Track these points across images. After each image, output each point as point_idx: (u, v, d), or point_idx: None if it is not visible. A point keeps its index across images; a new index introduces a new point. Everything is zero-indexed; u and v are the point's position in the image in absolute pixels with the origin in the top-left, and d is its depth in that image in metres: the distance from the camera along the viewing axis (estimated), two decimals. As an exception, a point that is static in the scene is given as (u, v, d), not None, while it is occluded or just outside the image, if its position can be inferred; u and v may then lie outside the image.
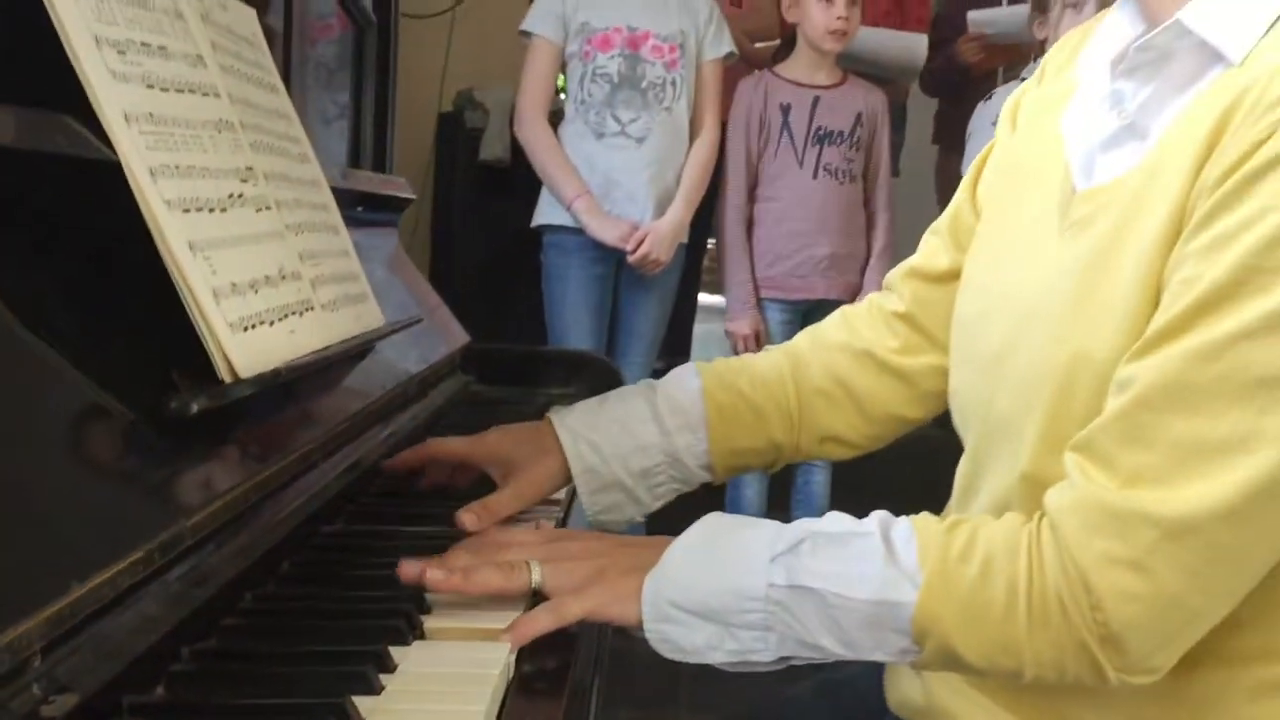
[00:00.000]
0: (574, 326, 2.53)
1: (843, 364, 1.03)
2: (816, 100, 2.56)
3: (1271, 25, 0.69)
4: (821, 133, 2.56)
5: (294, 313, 0.85)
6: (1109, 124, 0.78)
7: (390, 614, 0.75)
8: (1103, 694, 0.74)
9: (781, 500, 2.76)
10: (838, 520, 0.79)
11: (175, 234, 0.72)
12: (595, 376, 1.62)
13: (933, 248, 1.01)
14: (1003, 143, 0.96)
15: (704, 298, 3.66)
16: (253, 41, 1.03)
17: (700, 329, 3.73)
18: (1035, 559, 0.70)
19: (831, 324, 1.08)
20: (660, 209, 2.47)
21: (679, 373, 1.03)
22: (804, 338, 1.08)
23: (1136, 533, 0.67)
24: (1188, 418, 0.66)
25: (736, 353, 2.63)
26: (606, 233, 2.42)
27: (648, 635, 0.78)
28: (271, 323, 0.80)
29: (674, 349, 3.35)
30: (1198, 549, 0.66)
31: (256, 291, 0.80)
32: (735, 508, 2.70)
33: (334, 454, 0.94)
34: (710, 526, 0.81)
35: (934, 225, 1.02)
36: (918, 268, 1.02)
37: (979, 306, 0.90)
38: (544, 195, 2.53)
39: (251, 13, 1.05)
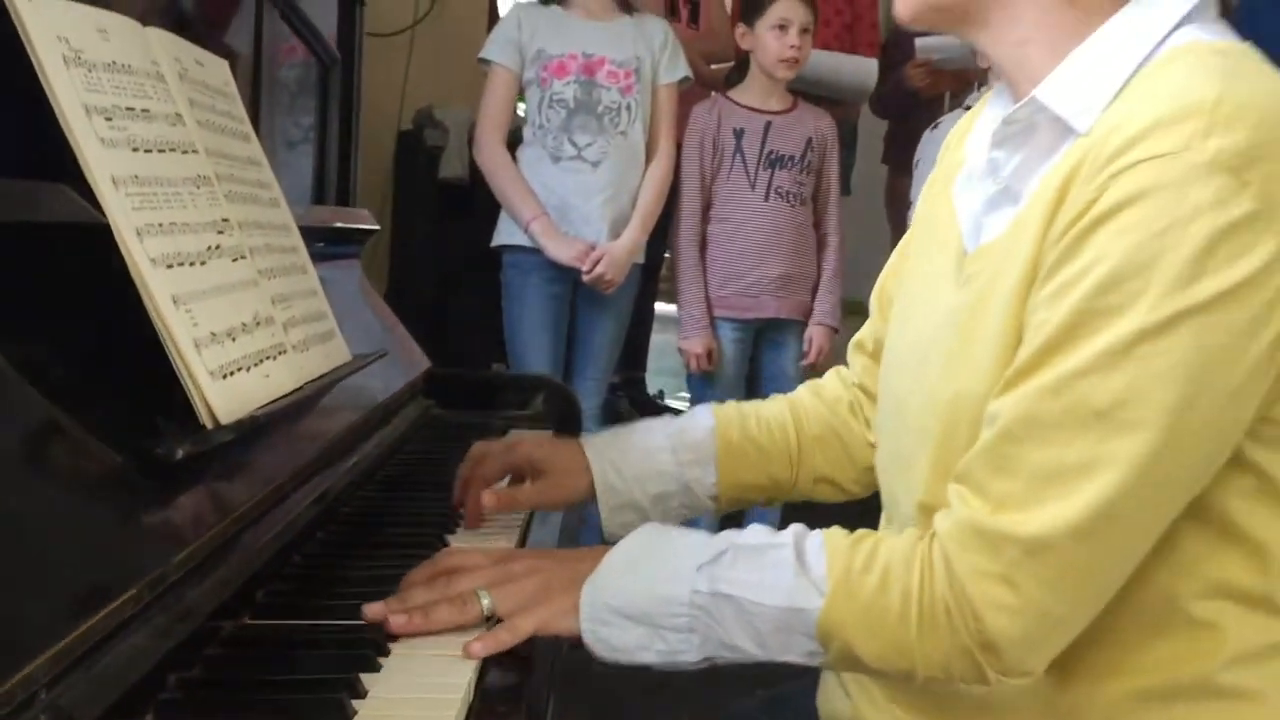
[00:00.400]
0: (532, 344, 2.58)
1: (837, 416, 1.13)
2: (768, 125, 2.64)
3: (1115, 97, 0.77)
4: (773, 157, 2.64)
5: (269, 357, 0.90)
6: (988, 190, 0.87)
7: (359, 643, 0.81)
8: (999, 706, 0.82)
9: (736, 515, 2.83)
10: (758, 533, 0.87)
11: (160, 290, 0.78)
12: (550, 398, 1.69)
13: (870, 322, 1.11)
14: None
15: (661, 307, 3.74)
16: (226, 93, 1.08)
17: (657, 339, 3.80)
18: (926, 572, 0.78)
19: (829, 379, 1.17)
20: (616, 231, 2.54)
21: (696, 411, 1.15)
22: (805, 390, 1.18)
23: (1003, 551, 0.75)
24: (1042, 448, 0.74)
25: (690, 370, 2.71)
26: (562, 253, 2.48)
27: (584, 637, 0.85)
28: (248, 368, 0.86)
29: (630, 363, 3.43)
30: (1055, 564, 0.74)
31: (234, 339, 0.85)
32: (690, 522, 2.77)
33: (304, 484, 0.99)
34: (644, 537, 0.89)
35: (872, 295, 1.12)
36: (859, 341, 1.13)
37: (890, 360, 0.99)
38: (503, 217, 2.59)
39: (224, 64, 1.10)
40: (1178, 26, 0.78)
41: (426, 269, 3.24)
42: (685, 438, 1.10)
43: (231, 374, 0.82)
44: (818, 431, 1.12)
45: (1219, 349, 0.70)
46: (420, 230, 3.26)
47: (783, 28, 2.56)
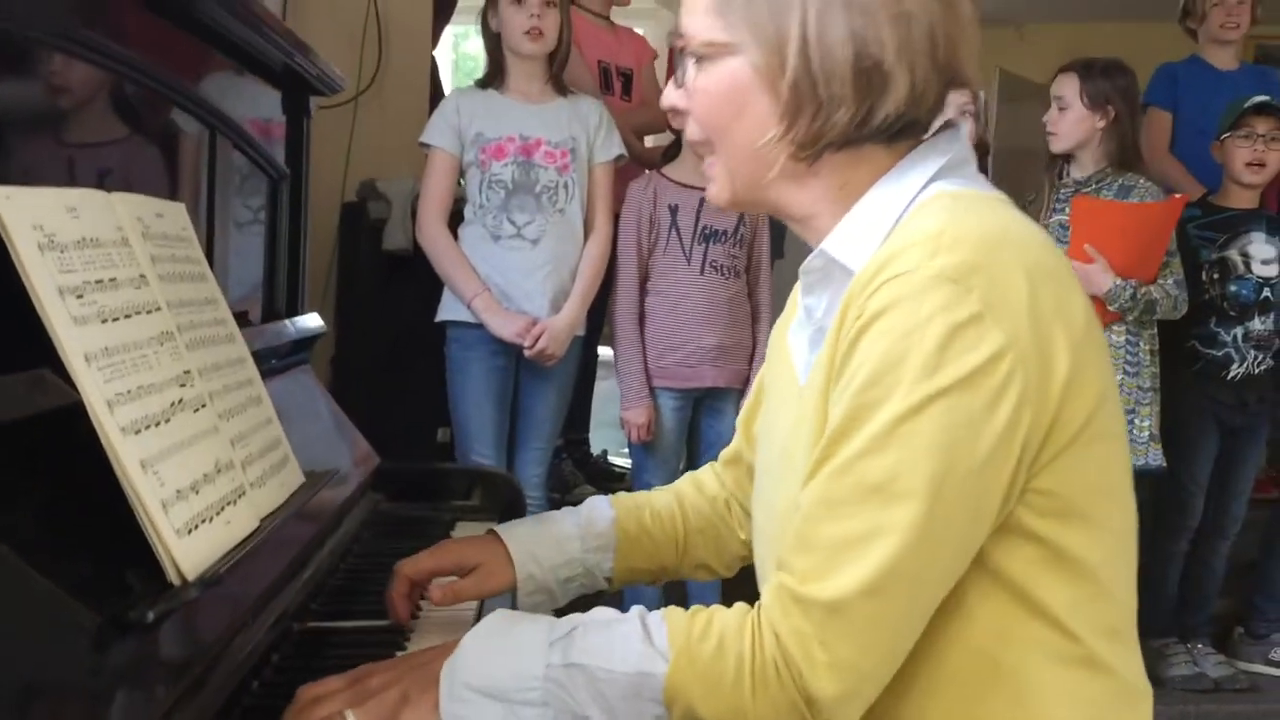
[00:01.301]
0: (476, 416, 2.66)
1: (716, 512, 1.29)
2: (703, 201, 2.74)
3: (883, 240, 0.93)
4: (707, 231, 2.74)
5: (230, 502, 0.97)
6: (809, 331, 1.03)
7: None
8: None
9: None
10: (605, 612, 0.97)
11: (130, 458, 0.85)
12: (494, 488, 1.76)
13: (735, 440, 1.29)
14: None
15: (604, 350, 3.77)
16: (184, 237, 1.15)
17: (601, 385, 3.85)
18: (756, 637, 0.89)
19: (707, 475, 1.34)
20: (556, 305, 2.62)
21: (597, 502, 1.28)
22: (688, 483, 1.33)
23: (812, 614, 0.86)
24: (834, 523, 0.87)
25: (630, 439, 2.79)
26: (505, 329, 2.56)
27: (444, 718, 0.91)
28: (211, 518, 0.93)
29: (573, 425, 3.50)
30: (855, 621, 0.85)
31: (198, 492, 0.92)
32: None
33: (262, 611, 1.06)
34: (497, 620, 0.97)
35: (739, 419, 1.30)
36: (726, 457, 1.30)
37: (757, 488, 1.14)
38: (446, 293, 2.66)
39: (180, 209, 1.17)
40: (930, 182, 0.95)
41: (372, 338, 3.29)
42: (592, 528, 1.24)
43: (196, 528, 0.89)
44: (700, 524, 1.27)
45: (963, 427, 0.84)
46: (365, 300, 3.32)
47: None
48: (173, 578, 0.84)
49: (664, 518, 1.27)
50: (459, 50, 7.27)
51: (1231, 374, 2.89)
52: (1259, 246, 2.90)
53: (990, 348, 0.84)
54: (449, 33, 4.14)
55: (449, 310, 2.65)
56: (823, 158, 0.96)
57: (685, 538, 1.27)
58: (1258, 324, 2.88)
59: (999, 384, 0.84)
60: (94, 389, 0.84)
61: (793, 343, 1.08)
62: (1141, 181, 2.76)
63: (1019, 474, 0.87)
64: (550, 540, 1.24)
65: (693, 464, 2.90)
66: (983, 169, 1.02)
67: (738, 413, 2.76)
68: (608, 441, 3.73)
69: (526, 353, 2.58)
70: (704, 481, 1.31)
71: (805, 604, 0.86)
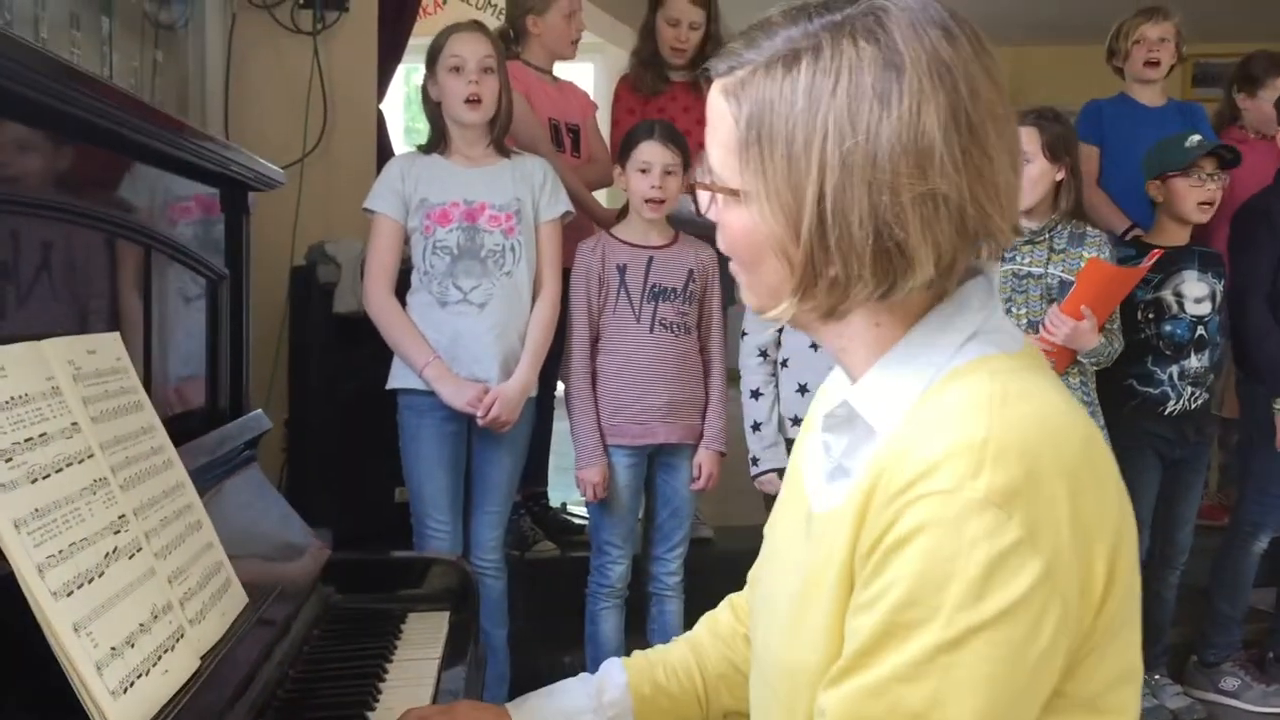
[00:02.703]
0: (430, 483, 2.66)
1: (733, 649, 1.22)
2: (650, 260, 2.77)
3: (911, 406, 0.89)
4: (656, 290, 2.76)
5: (167, 649, 0.98)
6: (826, 464, 0.98)
7: None
8: None
9: (638, 628, 2.93)
10: None
11: (62, 623, 0.85)
12: (445, 576, 1.77)
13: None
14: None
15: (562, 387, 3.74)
16: (118, 368, 1.16)
17: (560, 427, 3.82)
18: None
19: (723, 611, 1.27)
20: (506, 368, 2.63)
21: (609, 667, 1.23)
22: (703, 627, 1.27)
23: None
24: None
25: (586, 498, 2.80)
26: (456, 398, 2.57)
27: None
28: (148, 671, 0.93)
29: (532, 478, 3.51)
30: None
31: (133, 645, 0.93)
32: (594, 641, 2.86)
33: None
34: None
35: (766, 526, 1.19)
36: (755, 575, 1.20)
37: (757, 597, 1.09)
38: (396, 361, 2.67)
39: (113, 339, 1.18)
40: (965, 341, 0.90)
41: (325, 400, 3.29)
42: (604, 697, 1.19)
43: (132, 685, 0.90)
44: (721, 670, 1.21)
45: (1006, 661, 0.81)
46: (318, 362, 3.31)
47: (644, 171, 2.69)
48: (109, 741, 0.85)
49: (680, 672, 1.22)
50: (411, 83, 7.24)
51: (1168, 410, 2.95)
52: (1191, 285, 2.96)
53: (1030, 576, 0.80)
54: (401, 69, 4.13)
55: (399, 378, 2.66)
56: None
57: (706, 688, 1.21)
58: (1194, 361, 2.95)
59: (1039, 611, 0.81)
60: (23, 556, 0.85)
61: (805, 464, 1.04)
62: (1089, 230, 2.80)
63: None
64: (560, 715, 1.19)
65: (649, 520, 2.92)
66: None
67: (690, 467, 2.82)
68: (566, 489, 3.74)
69: (479, 422, 2.59)
70: (719, 621, 1.26)
71: None
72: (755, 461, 2.78)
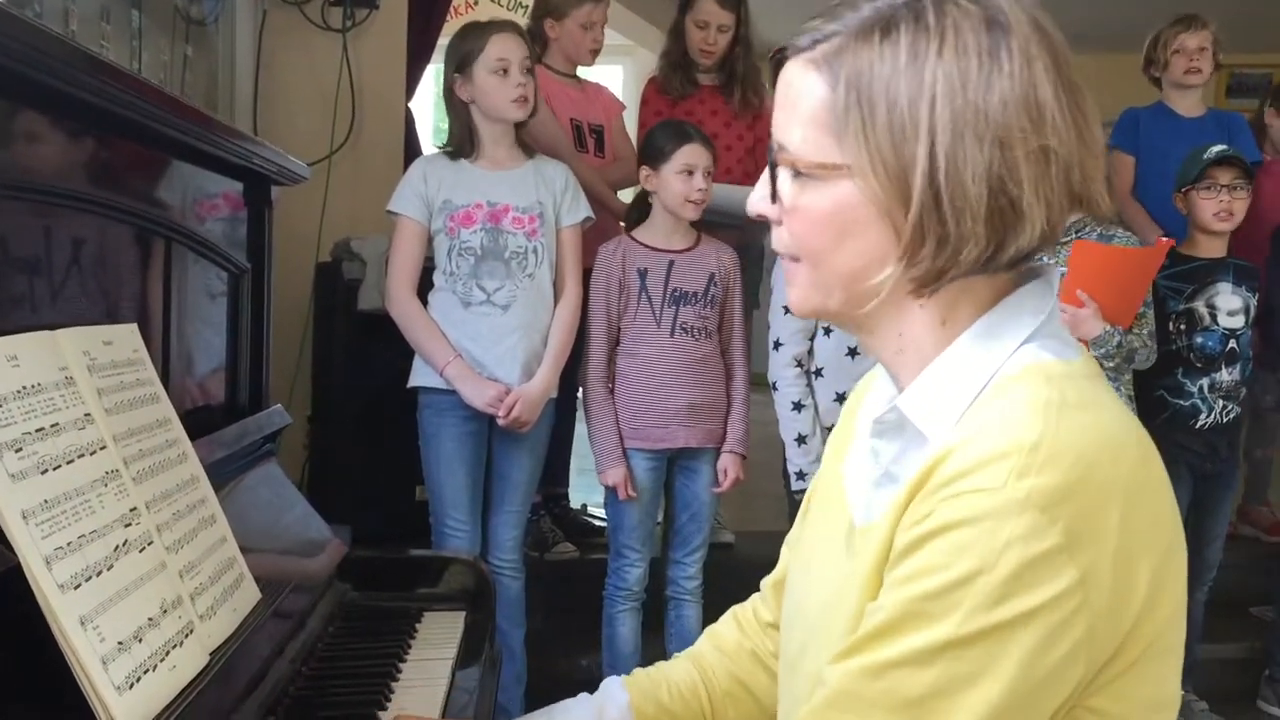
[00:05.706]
0: (449, 482, 2.65)
1: (740, 666, 1.20)
2: (671, 264, 2.75)
3: (964, 412, 0.87)
4: (677, 294, 2.75)
5: (176, 645, 0.97)
6: (873, 472, 0.96)
7: None
8: None
9: (656, 632, 2.91)
10: None
11: (68, 616, 0.84)
12: (462, 575, 1.76)
13: (784, 559, 1.18)
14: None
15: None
16: (134, 359, 1.15)
17: (582, 428, 3.81)
18: None
19: (726, 626, 1.24)
20: (528, 370, 2.63)
21: (609, 687, 1.19)
22: (706, 643, 1.24)
23: None
24: None
25: (620, 498, 2.77)
26: (477, 398, 2.56)
27: None
28: (155, 666, 0.92)
29: (553, 479, 3.50)
30: None
31: (141, 640, 0.92)
32: (611, 644, 2.84)
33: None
34: None
35: (788, 538, 1.18)
36: (777, 580, 1.19)
37: (788, 611, 1.06)
38: (417, 360, 2.66)
39: (130, 330, 1.18)
40: (1022, 345, 0.88)
41: (349, 396, 3.29)
42: (605, 716, 1.16)
43: (139, 680, 0.89)
44: (726, 686, 1.18)
45: (1015, 663, 0.79)
46: (341, 358, 3.31)
47: (689, 172, 2.69)
48: (112, 737, 0.84)
49: (684, 690, 1.18)
50: (440, 83, 7.24)
51: (1200, 423, 2.91)
52: (1225, 298, 2.92)
53: (1061, 584, 0.78)
54: (431, 69, 4.13)
55: (420, 376, 2.66)
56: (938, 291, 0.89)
57: (711, 705, 1.18)
58: (1225, 375, 2.91)
59: (1061, 621, 0.79)
60: (31, 548, 0.84)
61: (849, 474, 1.01)
62: (1119, 231, 2.78)
63: (1069, 699, 0.83)
64: None
65: (669, 524, 2.90)
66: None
67: (712, 471, 2.80)
68: (588, 490, 3.72)
69: (500, 422, 2.58)
70: (723, 636, 1.23)
71: None
72: (801, 476, 2.70)
